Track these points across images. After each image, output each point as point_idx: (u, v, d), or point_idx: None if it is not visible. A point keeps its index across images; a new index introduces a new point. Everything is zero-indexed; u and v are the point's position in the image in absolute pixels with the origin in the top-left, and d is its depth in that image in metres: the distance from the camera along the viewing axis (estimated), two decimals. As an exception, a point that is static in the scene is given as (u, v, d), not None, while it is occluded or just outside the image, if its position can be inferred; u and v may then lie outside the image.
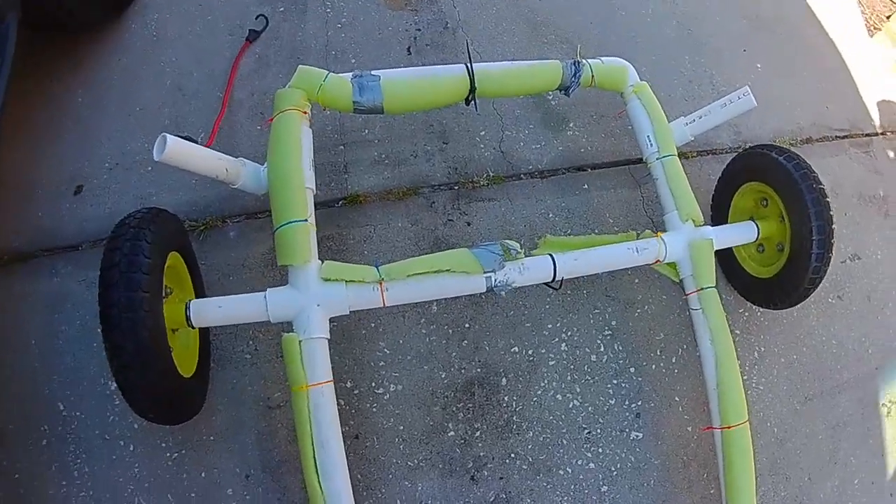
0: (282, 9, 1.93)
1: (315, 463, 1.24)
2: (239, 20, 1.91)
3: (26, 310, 1.57)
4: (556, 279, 1.43)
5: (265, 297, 1.31)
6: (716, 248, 1.56)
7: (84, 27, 1.88)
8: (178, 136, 1.33)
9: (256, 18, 1.88)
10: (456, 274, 1.35)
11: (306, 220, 1.35)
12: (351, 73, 1.50)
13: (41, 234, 1.67)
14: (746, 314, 1.78)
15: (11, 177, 1.71)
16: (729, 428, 1.45)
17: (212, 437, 1.50)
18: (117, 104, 1.82)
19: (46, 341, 1.54)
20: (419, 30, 1.95)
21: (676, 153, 1.62)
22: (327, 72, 1.48)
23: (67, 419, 1.48)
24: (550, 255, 1.43)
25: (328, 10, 1.93)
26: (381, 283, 1.34)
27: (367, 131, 1.78)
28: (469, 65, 1.51)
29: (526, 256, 1.41)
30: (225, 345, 1.56)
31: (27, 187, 1.72)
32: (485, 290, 1.37)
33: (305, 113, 1.47)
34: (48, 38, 1.90)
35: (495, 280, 1.37)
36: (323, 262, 1.34)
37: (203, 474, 1.47)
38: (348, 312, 1.34)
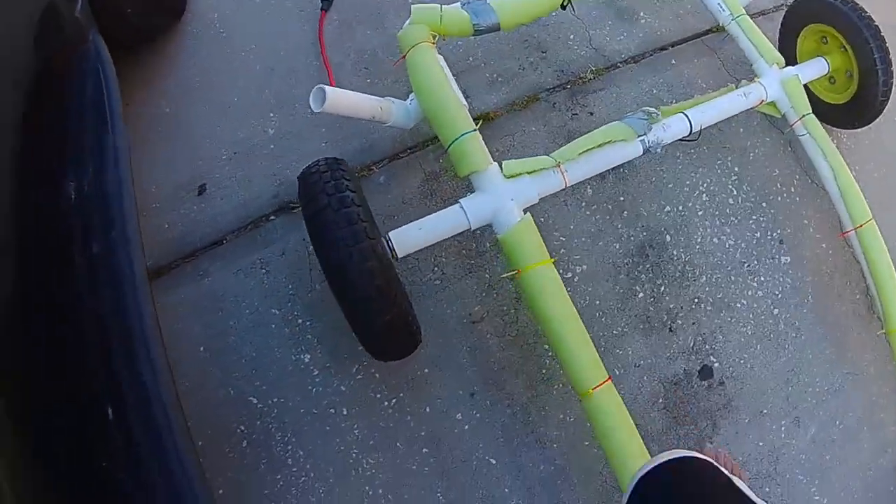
0: (343, -24, 2.20)
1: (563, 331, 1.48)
2: (303, -5, 2.16)
3: (183, 320, 1.68)
4: (693, 132, 1.77)
5: (461, 206, 1.53)
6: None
7: (146, 38, 2.06)
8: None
9: (324, -12, 2.15)
10: (616, 143, 1.66)
11: (475, 130, 1.61)
12: (459, 2, 1.79)
13: (174, 244, 1.80)
14: (834, 140, 2.18)
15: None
16: (861, 227, 1.84)
17: (426, 370, 1.69)
18: (207, 103, 2.00)
19: (216, 342, 1.66)
20: None
21: (745, 13, 2.01)
22: (439, 5, 1.75)
23: (264, 410, 1.60)
24: (683, 113, 1.77)
25: (391, -34, 2.22)
26: (559, 166, 1.62)
27: (470, 59, 2.10)
28: (561, -29, 1.83)
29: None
30: (413, 278, 1.77)
31: (140, 205, 1.79)
32: (641, 152, 1.69)
33: (433, 44, 1.75)
34: (114, 55, 2.10)
35: (648, 142, 1.69)
36: (499, 163, 1.61)
37: (427, 409, 1.65)
38: (538, 200, 1.61)
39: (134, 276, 1.20)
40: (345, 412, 1.61)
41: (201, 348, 1.66)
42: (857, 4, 1.96)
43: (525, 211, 1.57)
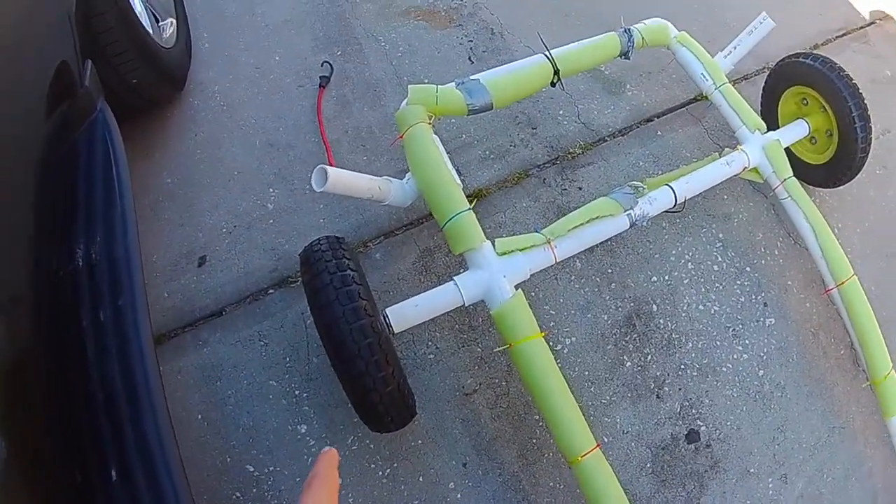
0: (339, 52, 2.42)
1: (553, 401, 1.64)
2: (303, 72, 2.38)
3: (181, 387, 1.81)
4: (678, 203, 1.93)
5: (456, 283, 1.68)
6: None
7: (146, 105, 2.21)
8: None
9: (322, 65, 2.35)
10: (604, 218, 1.82)
11: (470, 209, 1.77)
12: (453, 83, 1.96)
13: (174, 313, 1.94)
14: (817, 200, 2.36)
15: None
16: (843, 284, 2.00)
17: (419, 441, 1.83)
18: (210, 175, 2.17)
19: (214, 411, 1.78)
20: (471, 40, 2.51)
21: (727, 81, 2.19)
22: (436, 85, 1.92)
23: (261, 478, 1.71)
24: (668, 185, 1.94)
25: (383, 44, 2.45)
26: (549, 243, 1.78)
27: (464, 136, 2.30)
28: (548, 52, 2.01)
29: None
30: (408, 352, 1.93)
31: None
32: (628, 226, 1.85)
33: (430, 124, 1.91)
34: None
35: (635, 216, 1.86)
36: (491, 240, 1.77)
37: (420, 478, 1.78)
38: (528, 277, 1.76)
39: (141, 342, 1.29)
40: (341, 481, 1.75)
41: (199, 416, 1.79)
42: (835, 64, 2.15)
43: (517, 287, 1.72)
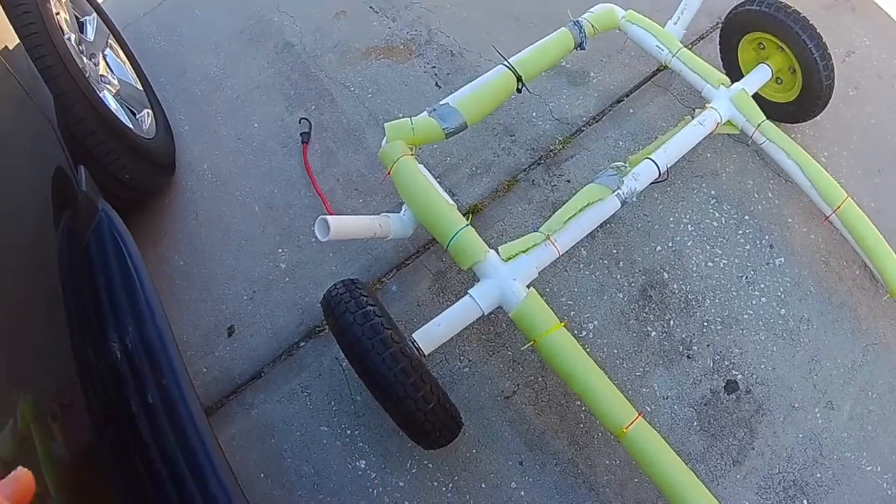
0: (313, 107, 2.61)
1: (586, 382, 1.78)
2: (283, 132, 2.57)
3: (238, 451, 1.97)
4: (663, 173, 2.07)
5: (471, 296, 1.84)
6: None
7: (144, 197, 2.38)
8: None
9: (300, 122, 2.53)
10: (594, 204, 1.97)
11: (468, 225, 1.92)
12: (426, 112, 2.12)
13: (216, 385, 2.13)
14: (798, 136, 2.50)
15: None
16: (839, 208, 2.13)
17: (474, 450, 1.99)
18: (219, 248, 2.36)
19: (274, 467, 1.96)
20: (434, 66, 2.70)
21: (682, 46, 2.34)
22: (410, 118, 2.08)
23: None
24: (649, 158, 2.08)
25: (352, 90, 2.64)
26: (549, 238, 1.93)
27: (448, 159, 2.48)
28: (506, 62, 2.17)
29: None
30: (443, 371, 2.10)
31: (179, 356, 2.22)
32: (620, 205, 2.00)
33: (413, 154, 2.07)
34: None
35: (623, 194, 2.00)
36: (495, 249, 1.92)
37: (483, 484, 1.95)
38: (537, 274, 1.90)
39: (192, 412, 1.41)
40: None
41: (261, 475, 1.97)
42: (781, 3, 2.28)
43: (529, 286, 1.87)
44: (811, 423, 2.08)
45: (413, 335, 1.77)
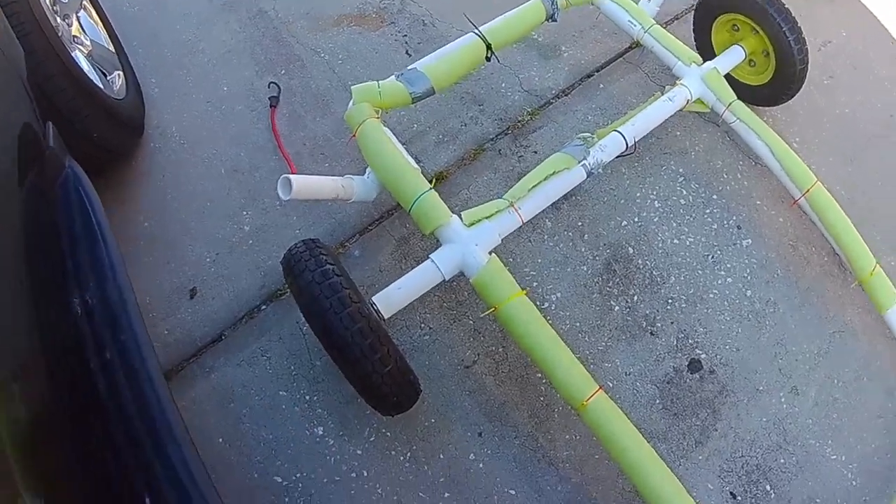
0: (283, 71, 2.58)
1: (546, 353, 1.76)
2: (252, 96, 2.53)
3: (197, 415, 1.93)
4: (630, 146, 2.07)
5: (433, 260, 1.83)
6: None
7: (111, 157, 2.34)
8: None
9: (269, 86, 2.51)
10: (560, 173, 1.96)
11: (431, 188, 1.90)
12: (393, 76, 2.10)
13: (177, 348, 2.08)
14: (770, 120, 2.52)
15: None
16: (808, 191, 2.13)
17: (432, 419, 1.96)
18: (184, 211, 2.31)
19: (232, 431, 1.92)
20: (405, 35, 2.69)
21: (655, 23, 2.34)
22: (377, 81, 2.06)
23: (290, 486, 1.84)
24: (616, 131, 2.08)
25: (323, 55, 2.61)
26: (513, 206, 1.92)
27: (415, 126, 2.46)
28: (477, 30, 2.16)
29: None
30: (403, 338, 2.07)
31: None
32: (585, 176, 2.00)
33: (378, 117, 2.05)
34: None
35: (589, 165, 2.00)
36: (458, 215, 1.90)
37: (441, 455, 1.91)
38: (500, 241, 1.89)
39: (149, 371, 1.39)
40: (365, 474, 1.88)
41: (220, 439, 1.92)
42: None
43: (491, 253, 1.86)
44: (775, 407, 2.09)
45: (373, 298, 1.76)
